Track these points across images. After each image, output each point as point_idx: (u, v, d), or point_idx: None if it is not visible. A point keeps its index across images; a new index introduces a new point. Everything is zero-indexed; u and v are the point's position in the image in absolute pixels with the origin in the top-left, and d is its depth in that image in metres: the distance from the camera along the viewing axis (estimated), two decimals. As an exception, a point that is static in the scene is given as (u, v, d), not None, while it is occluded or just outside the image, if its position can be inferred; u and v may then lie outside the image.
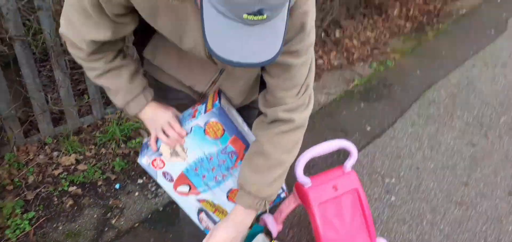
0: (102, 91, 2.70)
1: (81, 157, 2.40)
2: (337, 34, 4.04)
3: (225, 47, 0.79)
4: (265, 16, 0.76)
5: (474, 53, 4.14)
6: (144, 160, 1.28)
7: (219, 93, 1.29)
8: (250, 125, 1.32)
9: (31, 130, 2.49)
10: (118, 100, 1.22)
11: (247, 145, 1.28)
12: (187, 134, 1.23)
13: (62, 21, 1.10)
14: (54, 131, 2.49)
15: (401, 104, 3.23)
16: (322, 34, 3.90)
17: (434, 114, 3.12)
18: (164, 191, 1.50)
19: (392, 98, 3.31)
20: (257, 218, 2.00)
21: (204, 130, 1.22)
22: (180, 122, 1.25)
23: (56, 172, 2.30)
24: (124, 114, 2.52)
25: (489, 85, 3.55)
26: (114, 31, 1.07)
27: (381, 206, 2.27)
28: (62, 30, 1.12)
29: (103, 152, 2.45)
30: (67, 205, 2.15)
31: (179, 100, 1.36)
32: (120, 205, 2.18)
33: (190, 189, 1.32)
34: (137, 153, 2.51)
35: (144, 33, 1.23)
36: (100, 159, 2.41)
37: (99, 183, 2.29)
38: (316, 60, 3.67)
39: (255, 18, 0.75)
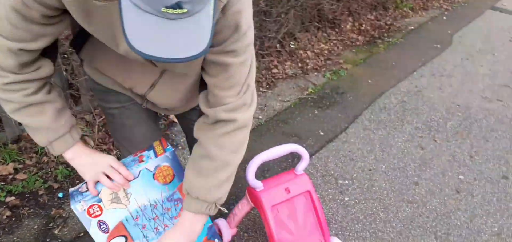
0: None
1: (20, 165, 2.24)
2: (292, 45, 4.09)
3: (147, 43, 0.75)
4: (185, 10, 0.73)
5: (422, 65, 4.32)
6: (78, 207, 1.14)
7: (166, 140, 1.26)
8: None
9: (-36, 139, 2.31)
10: (38, 138, 1.12)
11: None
12: (134, 178, 1.16)
13: None
14: (-10, 140, 2.33)
15: (353, 110, 3.29)
16: (278, 45, 3.94)
17: (385, 120, 3.20)
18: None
19: (344, 105, 3.36)
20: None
21: (154, 174, 1.16)
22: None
23: (-9, 182, 2.14)
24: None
25: (436, 93, 3.70)
26: (43, 35, 0.98)
27: (335, 207, 2.27)
28: None
29: (45, 160, 2.30)
30: (4, 217, 1.98)
31: (120, 103, 1.31)
32: (64, 215, 2.05)
33: (126, 241, 1.22)
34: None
35: (82, 33, 1.12)
36: (41, 168, 2.26)
37: (41, 192, 2.14)
38: (270, 69, 3.69)
39: (175, 11, 0.72)
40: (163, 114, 2.44)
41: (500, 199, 2.43)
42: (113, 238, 1.19)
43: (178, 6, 0.71)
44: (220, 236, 1.93)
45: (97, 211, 1.15)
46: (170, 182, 1.19)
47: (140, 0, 0.72)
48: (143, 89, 1.24)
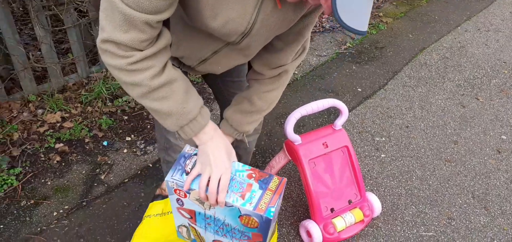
0: (87, 49, 2.65)
1: (67, 115, 2.36)
2: (330, -3, 3.98)
3: (353, 16, 0.81)
4: None
5: (467, 19, 4.12)
6: (170, 182, 1.17)
7: (278, 198, 1.16)
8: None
9: (13, 88, 2.44)
10: (169, 123, 1.07)
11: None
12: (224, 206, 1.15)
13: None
14: (38, 89, 2.44)
15: (393, 66, 3.21)
16: (314, -3, 3.84)
17: (426, 76, 3.11)
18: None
19: (384, 60, 3.28)
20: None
21: (240, 216, 1.15)
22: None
23: (41, 130, 2.26)
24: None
25: (481, 49, 3.54)
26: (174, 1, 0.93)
27: (371, 163, 2.27)
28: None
29: (90, 110, 2.41)
30: (55, 162, 2.11)
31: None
32: (109, 162, 2.16)
33: (191, 218, 1.28)
34: (124, 111, 2.48)
35: None
36: (86, 117, 2.37)
37: (86, 140, 2.26)
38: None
39: None
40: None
41: (544, 160, 2.36)
42: (183, 211, 1.27)
43: None
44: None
45: (182, 195, 1.20)
46: (250, 228, 1.17)
47: None
48: (193, 62, 1.24)
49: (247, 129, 1.33)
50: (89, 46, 2.68)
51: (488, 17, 4.17)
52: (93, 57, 2.72)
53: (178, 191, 1.20)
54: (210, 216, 1.25)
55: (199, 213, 1.26)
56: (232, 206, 1.12)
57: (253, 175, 1.18)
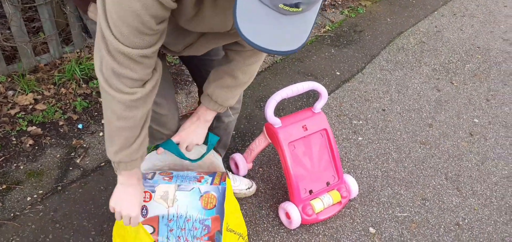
0: (59, 28, 2.56)
1: (39, 96, 2.29)
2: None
3: (255, 31, 0.78)
4: (300, 9, 0.76)
5: (443, 4, 4.18)
6: None
7: (226, 176, 1.43)
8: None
9: (-18, 68, 2.34)
10: (113, 150, 1.16)
11: (220, 229, 1.38)
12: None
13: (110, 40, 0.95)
14: (8, 69, 2.35)
15: (371, 50, 3.24)
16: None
17: (403, 60, 3.15)
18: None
19: (362, 44, 3.31)
20: (227, 157, 1.99)
21: (201, 196, 1.35)
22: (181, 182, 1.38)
23: (12, 112, 2.18)
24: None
25: (456, 34, 3.61)
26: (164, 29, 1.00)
27: (348, 146, 2.30)
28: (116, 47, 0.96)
29: (63, 92, 2.34)
30: (27, 145, 2.05)
31: None
32: (84, 145, 2.11)
33: (153, 232, 1.38)
34: (99, 93, 2.42)
35: None
36: (60, 99, 2.31)
37: (61, 123, 2.20)
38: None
39: (291, 9, 0.75)
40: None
41: (514, 143, 2.44)
42: (145, 223, 1.37)
43: (296, 5, 0.74)
44: (236, 168, 1.99)
45: (147, 197, 1.35)
46: (209, 209, 1.36)
47: None
48: (179, 48, 1.26)
49: (232, 103, 1.40)
50: (62, 24, 2.59)
51: (463, 2, 4.24)
52: (66, 36, 2.64)
53: (144, 195, 1.34)
54: (173, 215, 1.37)
55: (162, 217, 1.37)
56: (192, 188, 1.35)
57: (201, 174, 1.44)
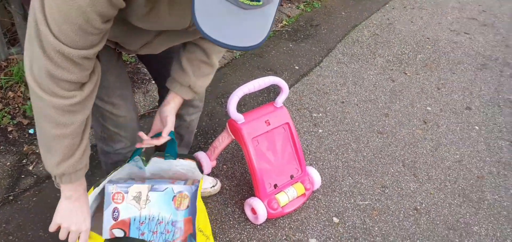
0: (4, 29, 2.42)
1: (-14, 101, 2.16)
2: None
3: (215, 27, 0.75)
4: (261, 3, 0.74)
5: (393, -4, 4.33)
6: (110, 188, 1.33)
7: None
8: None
9: None
10: (52, 162, 1.06)
11: (194, 232, 1.35)
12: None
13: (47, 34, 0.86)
14: (-50, 74, 2.20)
15: (327, 43, 3.30)
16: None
17: (358, 53, 3.23)
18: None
19: (318, 38, 3.36)
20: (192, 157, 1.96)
21: (174, 196, 1.34)
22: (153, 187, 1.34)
23: (-44, 119, 2.04)
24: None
25: (407, 26, 3.75)
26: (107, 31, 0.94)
27: (309, 138, 2.33)
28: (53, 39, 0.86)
29: (11, 95, 2.21)
30: (-27, 154, 1.93)
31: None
32: (37, 151, 2.00)
33: (124, 235, 1.34)
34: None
35: None
36: (8, 104, 2.18)
37: (10, 129, 2.08)
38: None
39: (251, 3, 0.73)
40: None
41: (463, 128, 2.56)
42: (116, 227, 1.33)
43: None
44: (200, 167, 1.96)
45: (119, 199, 1.33)
46: (182, 210, 1.34)
47: None
48: (136, 47, 1.21)
49: (202, 90, 1.40)
50: (6, 24, 2.44)
51: (412, -5, 4.42)
52: (12, 37, 2.49)
53: (116, 196, 1.32)
54: (145, 218, 1.34)
55: (134, 220, 1.33)
56: (165, 188, 1.33)
57: (175, 180, 1.42)
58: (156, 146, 1.63)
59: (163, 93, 1.45)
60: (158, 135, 1.33)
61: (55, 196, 1.80)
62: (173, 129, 1.33)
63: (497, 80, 3.09)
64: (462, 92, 2.91)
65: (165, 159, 1.45)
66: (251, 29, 0.78)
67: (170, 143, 1.39)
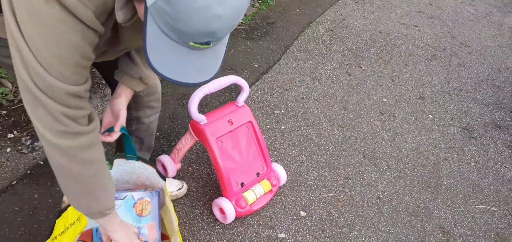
0: None
1: None
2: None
3: (166, 65, 0.80)
4: (211, 45, 0.79)
5: (345, -7, 4.45)
6: None
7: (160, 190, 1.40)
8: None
9: None
10: (104, 201, 1.09)
11: (159, 237, 1.34)
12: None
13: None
14: None
15: (284, 40, 3.34)
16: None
17: (314, 49, 3.30)
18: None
19: (275, 35, 3.40)
20: (153, 160, 1.92)
21: (135, 203, 1.32)
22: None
23: None
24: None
25: (360, 20, 3.86)
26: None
27: (273, 135, 2.36)
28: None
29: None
30: None
31: None
32: (-11, 165, 1.90)
33: None
34: (1, 105, 2.19)
35: None
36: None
37: (-41, 143, 1.95)
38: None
39: (202, 46, 0.78)
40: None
41: (418, 118, 2.68)
42: (78, 239, 1.29)
43: (206, 43, 0.77)
44: (164, 171, 1.93)
45: None
46: (144, 216, 1.32)
47: (170, 31, 0.76)
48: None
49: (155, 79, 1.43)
50: None
51: (363, -9, 4.56)
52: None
53: None
54: None
55: (96, 231, 1.32)
56: (125, 196, 1.32)
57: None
58: (116, 148, 1.59)
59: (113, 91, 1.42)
60: (109, 130, 1.29)
61: (13, 210, 1.71)
62: (124, 124, 1.30)
63: (446, 69, 3.26)
64: (415, 82, 3.04)
65: (127, 160, 1.41)
66: (202, 66, 0.84)
67: (126, 140, 1.36)
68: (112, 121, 1.30)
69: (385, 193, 2.08)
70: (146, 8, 0.76)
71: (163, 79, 0.83)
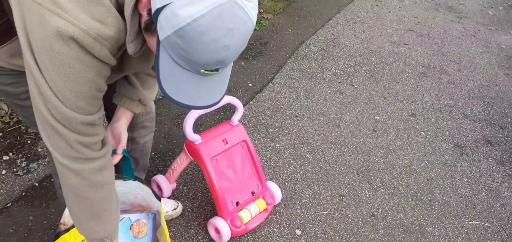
0: None
1: None
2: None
3: (179, 92, 0.87)
4: (219, 71, 0.86)
5: (336, 12, 4.52)
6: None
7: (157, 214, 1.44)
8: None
9: None
10: (108, 225, 1.13)
11: None
12: None
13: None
14: None
15: (277, 60, 3.39)
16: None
17: (307, 68, 3.34)
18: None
19: (269, 55, 3.44)
20: (149, 180, 1.93)
21: (132, 225, 1.35)
22: None
23: None
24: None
25: (351, 39, 3.93)
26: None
27: (268, 153, 2.37)
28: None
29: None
30: None
31: None
32: (-18, 187, 1.89)
33: None
34: (-2, 128, 2.20)
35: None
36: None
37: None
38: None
39: (211, 73, 0.84)
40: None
41: (410, 134, 2.72)
42: None
43: (215, 69, 0.84)
44: (159, 191, 1.93)
45: None
46: (140, 237, 1.35)
47: (182, 61, 0.82)
48: None
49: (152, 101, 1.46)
50: None
51: (354, 10, 4.64)
52: None
53: None
54: None
55: None
56: (123, 218, 1.33)
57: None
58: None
59: (109, 114, 1.44)
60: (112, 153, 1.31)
61: (8, 232, 1.71)
62: (125, 146, 1.33)
63: (437, 86, 3.31)
64: (407, 100, 3.09)
65: (124, 180, 1.43)
66: (211, 90, 0.91)
67: (125, 162, 1.38)
68: (114, 144, 1.33)
69: (380, 210, 2.10)
70: (158, 41, 0.82)
71: (173, 104, 0.89)
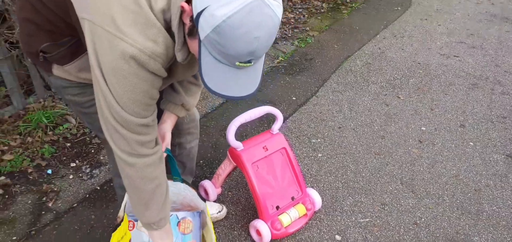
0: (21, 80, 2.60)
1: (6, 147, 2.30)
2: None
3: (219, 84, 1.01)
4: (252, 63, 0.99)
5: (384, 27, 4.53)
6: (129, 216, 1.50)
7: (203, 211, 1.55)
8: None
9: None
10: (155, 212, 1.29)
11: None
12: None
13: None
14: (-28, 125, 2.36)
15: (322, 74, 3.47)
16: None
17: (352, 81, 3.39)
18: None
19: (313, 70, 3.53)
20: (196, 185, 2.08)
21: (178, 222, 1.48)
22: None
23: (-22, 165, 2.19)
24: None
25: (398, 53, 3.92)
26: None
27: (309, 163, 2.45)
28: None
29: (30, 140, 2.36)
30: (-5, 196, 2.06)
31: None
32: (55, 189, 2.14)
33: None
34: (66, 138, 2.46)
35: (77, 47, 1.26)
36: (27, 148, 2.33)
37: (30, 170, 2.22)
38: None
39: (245, 64, 0.98)
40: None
41: (458, 145, 2.67)
42: None
43: (248, 61, 0.98)
44: (206, 195, 2.08)
45: (130, 226, 1.47)
46: (186, 234, 1.48)
47: (220, 56, 0.97)
48: None
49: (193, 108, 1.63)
50: (23, 76, 2.63)
51: (402, 25, 4.62)
52: (28, 88, 2.68)
53: (129, 225, 1.45)
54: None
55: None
56: (171, 215, 1.45)
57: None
58: None
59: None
60: None
61: (74, 229, 1.92)
62: (169, 146, 1.52)
63: (489, 97, 3.22)
64: (455, 111, 3.04)
65: (173, 181, 1.57)
66: (246, 82, 1.04)
67: (170, 162, 1.55)
68: None
69: (423, 219, 2.09)
70: (199, 41, 0.98)
71: (215, 96, 1.04)
